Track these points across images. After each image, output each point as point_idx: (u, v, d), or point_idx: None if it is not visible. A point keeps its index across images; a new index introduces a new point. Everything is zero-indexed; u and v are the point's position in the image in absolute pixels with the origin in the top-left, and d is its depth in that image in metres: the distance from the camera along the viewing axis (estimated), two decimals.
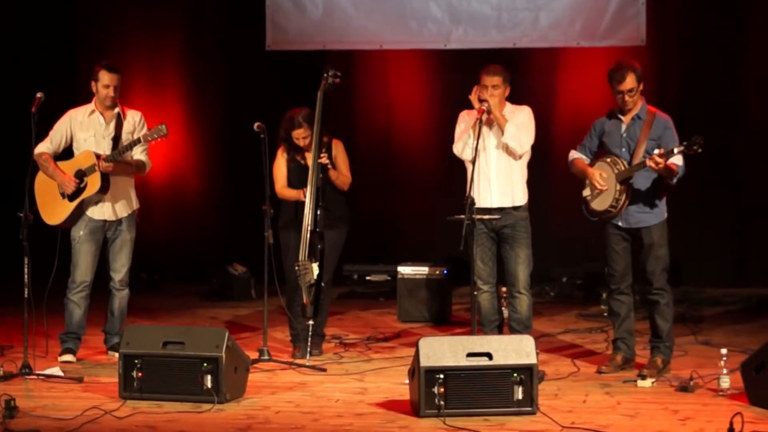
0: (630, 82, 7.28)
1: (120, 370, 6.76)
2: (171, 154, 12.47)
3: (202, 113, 12.50)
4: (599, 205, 7.41)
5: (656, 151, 7.11)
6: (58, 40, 12.30)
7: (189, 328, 7.34)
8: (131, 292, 8.27)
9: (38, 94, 7.55)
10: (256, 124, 7.89)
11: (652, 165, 7.08)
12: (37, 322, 7.53)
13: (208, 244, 12.26)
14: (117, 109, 8.08)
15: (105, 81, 7.99)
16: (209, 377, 6.61)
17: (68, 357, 7.96)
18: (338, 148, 8.17)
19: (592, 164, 7.47)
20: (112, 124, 8.05)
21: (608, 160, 7.37)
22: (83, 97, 8.32)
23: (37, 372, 7.36)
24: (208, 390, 6.60)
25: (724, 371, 6.75)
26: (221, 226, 12.33)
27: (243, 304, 10.82)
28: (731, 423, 5.56)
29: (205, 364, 6.62)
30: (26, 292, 7.45)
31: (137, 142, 7.91)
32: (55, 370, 7.47)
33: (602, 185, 7.33)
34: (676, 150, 7.06)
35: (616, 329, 7.52)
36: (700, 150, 7.00)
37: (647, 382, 7.02)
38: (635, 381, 7.08)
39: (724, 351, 6.83)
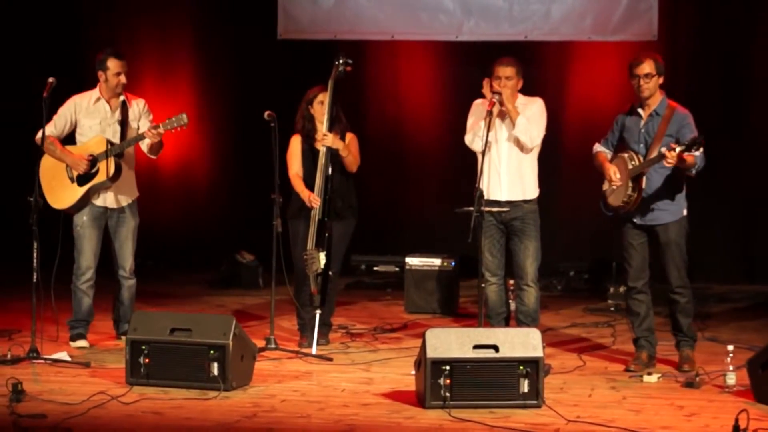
0: (646, 67, 7.21)
1: (127, 356, 6.77)
2: (181, 142, 12.47)
3: (212, 102, 12.50)
4: (614, 200, 7.37)
5: (662, 149, 7.06)
6: (66, 27, 12.29)
7: (196, 316, 7.32)
8: (139, 279, 8.28)
9: (50, 79, 7.52)
10: (266, 113, 7.88)
11: (669, 160, 6.95)
12: (45, 307, 7.54)
13: (216, 233, 12.26)
14: (122, 97, 8.04)
15: (115, 69, 7.93)
16: (216, 365, 6.62)
17: (82, 342, 7.97)
18: (352, 141, 8.16)
19: (612, 159, 7.45)
20: (118, 112, 8.00)
21: (626, 155, 7.32)
22: (91, 84, 8.25)
23: (45, 356, 7.38)
24: (215, 377, 6.61)
25: (731, 368, 6.74)
26: (230, 214, 12.34)
27: (250, 292, 10.82)
28: (737, 420, 5.56)
29: (211, 352, 6.63)
30: (34, 277, 7.46)
31: (155, 127, 7.81)
32: (63, 355, 7.49)
33: (615, 181, 7.32)
34: (678, 149, 6.90)
35: (636, 328, 7.45)
36: (697, 153, 6.94)
37: (653, 378, 7.02)
38: (641, 376, 7.08)
39: (730, 348, 6.81)
